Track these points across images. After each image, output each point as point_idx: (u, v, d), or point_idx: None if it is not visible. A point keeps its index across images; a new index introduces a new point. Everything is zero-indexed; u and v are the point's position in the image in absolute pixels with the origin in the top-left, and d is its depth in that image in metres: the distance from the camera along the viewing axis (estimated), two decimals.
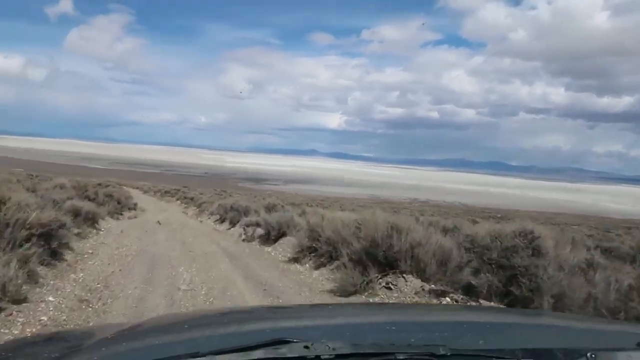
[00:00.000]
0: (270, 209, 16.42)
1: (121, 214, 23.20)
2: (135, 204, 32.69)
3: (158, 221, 20.29)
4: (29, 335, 4.86)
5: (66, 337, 2.13)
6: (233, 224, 17.84)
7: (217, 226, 20.52)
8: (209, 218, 25.14)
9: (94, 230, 13.49)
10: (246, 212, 17.23)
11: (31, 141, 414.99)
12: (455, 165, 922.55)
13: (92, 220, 13.62)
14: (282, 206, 18.00)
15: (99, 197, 20.70)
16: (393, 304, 5.91)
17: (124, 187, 65.12)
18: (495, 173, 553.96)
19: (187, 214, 31.35)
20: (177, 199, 47.51)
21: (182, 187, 67.53)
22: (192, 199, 42.71)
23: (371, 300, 6.82)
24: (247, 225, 13.96)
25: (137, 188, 73.82)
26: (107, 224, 17.29)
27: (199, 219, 26.94)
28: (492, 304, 6.24)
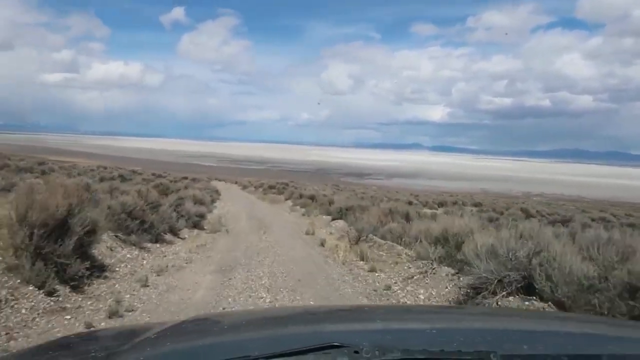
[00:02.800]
0: None
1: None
2: (202, 216, 13.70)
3: None
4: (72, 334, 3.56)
5: (109, 336, 2.08)
6: None
7: None
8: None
9: None
10: None
11: (150, 142, 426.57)
12: (569, 156, 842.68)
13: None
14: None
15: None
16: (432, 306, 5.53)
17: (212, 182, 48.49)
18: (614, 163, 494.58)
19: (326, 244, 11.35)
20: (287, 198, 28.62)
21: (290, 182, 49.35)
22: (312, 198, 23.61)
23: None
24: None
25: (236, 183, 57.69)
26: None
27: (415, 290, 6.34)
28: None
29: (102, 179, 31.83)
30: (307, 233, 13.50)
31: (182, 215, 12.09)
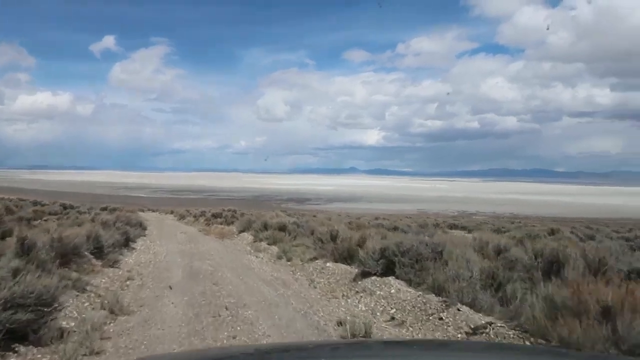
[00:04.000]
0: None
1: None
2: (46, 308, 3.89)
3: None
4: None
5: None
6: None
7: None
8: None
9: None
10: None
11: (83, 174, 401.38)
12: (498, 175, 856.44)
13: None
14: None
15: None
16: (414, 340, 4.26)
17: (143, 213, 38.68)
18: (540, 181, 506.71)
19: None
20: (243, 230, 19.75)
21: (236, 208, 40.12)
22: (283, 229, 15.07)
23: None
24: None
25: (172, 213, 47.92)
26: None
27: None
28: None
29: None
30: (352, 332, 4.77)
31: None
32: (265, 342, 4.68)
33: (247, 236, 17.89)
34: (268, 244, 14.71)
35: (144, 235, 19.23)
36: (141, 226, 19.45)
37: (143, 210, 54.43)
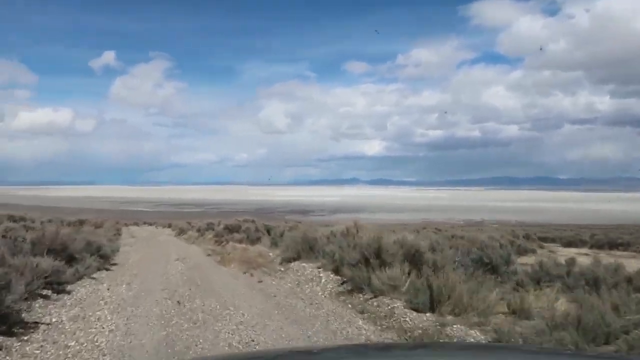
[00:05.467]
0: None
1: None
2: None
3: None
4: None
5: None
6: None
7: None
8: None
9: None
10: None
11: (83, 189, 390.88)
12: (501, 184, 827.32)
13: None
14: None
15: None
16: (416, 343, 4.00)
17: (132, 227, 28.90)
18: (543, 188, 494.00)
19: None
20: (298, 255, 9.60)
21: (251, 220, 30.15)
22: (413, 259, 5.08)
23: None
24: None
25: (169, 226, 38.45)
26: None
27: None
28: None
29: None
30: None
31: None
32: None
33: (315, 271, 8.15)
34: (414, 309, 4.95)
35: (106, 269, 9.65)
36: (99, 253, 9.71)
37: (138, 224, 45.26)
